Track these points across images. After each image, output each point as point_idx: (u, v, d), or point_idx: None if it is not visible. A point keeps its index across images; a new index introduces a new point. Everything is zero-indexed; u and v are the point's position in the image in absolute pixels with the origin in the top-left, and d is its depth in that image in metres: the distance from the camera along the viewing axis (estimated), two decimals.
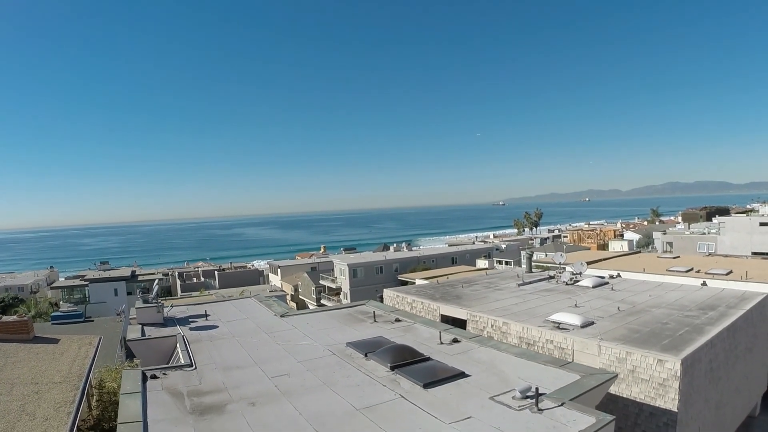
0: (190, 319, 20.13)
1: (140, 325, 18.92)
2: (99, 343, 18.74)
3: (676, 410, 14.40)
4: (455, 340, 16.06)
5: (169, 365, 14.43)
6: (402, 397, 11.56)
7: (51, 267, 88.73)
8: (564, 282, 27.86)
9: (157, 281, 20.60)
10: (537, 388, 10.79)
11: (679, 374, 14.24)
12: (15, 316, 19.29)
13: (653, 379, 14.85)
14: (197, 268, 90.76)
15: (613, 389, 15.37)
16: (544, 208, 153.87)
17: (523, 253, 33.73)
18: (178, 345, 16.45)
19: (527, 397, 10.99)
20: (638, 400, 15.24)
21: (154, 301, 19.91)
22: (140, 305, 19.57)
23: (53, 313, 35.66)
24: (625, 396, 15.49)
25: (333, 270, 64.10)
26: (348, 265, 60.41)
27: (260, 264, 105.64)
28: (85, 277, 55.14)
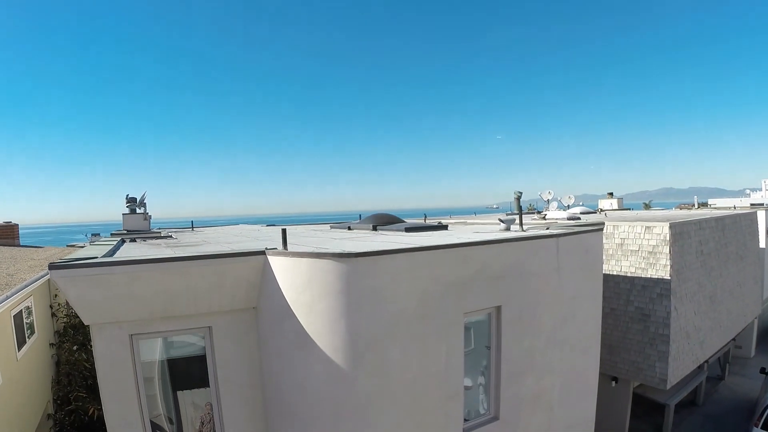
0: (177, 231, 19.81)
1: (125, 231, 18.57)
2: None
3: (669, 278, 14.07)
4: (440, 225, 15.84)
5: (150, 235, 14.14)
6: (383, 234, 11.34)
7: None
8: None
9: (145, 192, 20.17)
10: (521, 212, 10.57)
11: (668, 238, 14.00)
12: (3, 222, 19.05)
13: (642, 248, 14.63)
14: None
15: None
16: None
17: (513, 194, 33.33)
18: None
19: (510, 228, 10.78)
20: (629, 274, 15.00)
21: (141, 209, 19.49)
22: (126, 212, 19.14)
23: None
24: (614, 273, 15.26)
25: None
26: None
27: None
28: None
